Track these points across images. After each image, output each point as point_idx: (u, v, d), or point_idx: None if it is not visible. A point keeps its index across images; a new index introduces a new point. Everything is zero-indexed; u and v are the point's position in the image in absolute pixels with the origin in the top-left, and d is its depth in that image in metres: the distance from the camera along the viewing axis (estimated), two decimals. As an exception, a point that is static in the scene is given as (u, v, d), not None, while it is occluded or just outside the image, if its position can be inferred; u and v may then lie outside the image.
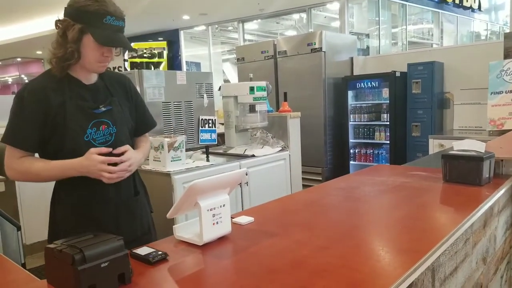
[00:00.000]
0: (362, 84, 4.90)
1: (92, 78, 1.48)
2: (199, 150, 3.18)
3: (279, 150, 3.27)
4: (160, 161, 2.51)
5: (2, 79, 15.33)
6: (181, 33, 9.92)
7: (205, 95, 3.05)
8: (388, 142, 4.73)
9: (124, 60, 10.26)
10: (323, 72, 4.65)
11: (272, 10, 7.91)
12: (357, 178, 2.23)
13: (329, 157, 4.87)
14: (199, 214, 1.21)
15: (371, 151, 4.99)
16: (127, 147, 1.46)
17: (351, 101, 4.99)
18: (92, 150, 1.36)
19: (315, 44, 4.61)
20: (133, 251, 1.17)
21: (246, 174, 2.90)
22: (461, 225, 1.37)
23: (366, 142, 5.00)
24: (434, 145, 4.04)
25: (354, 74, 5.14)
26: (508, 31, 5.72)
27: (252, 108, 3.15)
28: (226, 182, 1.28)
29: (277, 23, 9.86)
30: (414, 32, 10.98)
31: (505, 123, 3.45)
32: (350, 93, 4.97)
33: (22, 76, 14.05)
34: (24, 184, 3.39)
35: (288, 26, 9.98)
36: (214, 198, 1.25)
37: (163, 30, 9.94)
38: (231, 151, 3.18)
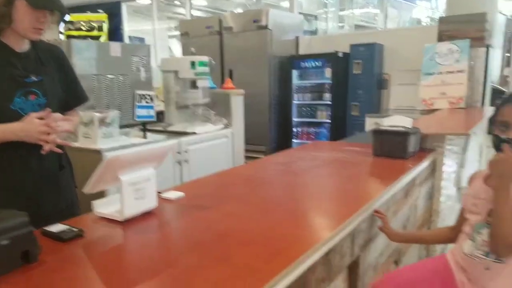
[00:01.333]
0: (306, 63, 4.94)
1: (24, 46, 1.39)
2: (136, 127, 3.05)
3: (222, 128, 3.21)
4: (90, 138, 2.37)
5: None
6: (123, 6, 9.39)
7: (141, 68, 2.90)
8: (329, 121, 4.84)
9: (60, 33, 9.56)
10: (269, 51, 4.62)
11: (220, -14, 7.70)
12: (295, 153, 2.26)
13: (273, 135, 4.91)
14: (120, 189, 1.15)
15: (313, 129, 5.09)
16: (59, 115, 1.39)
17: (295, 81, 5.03)
18: (33, 114, 1.31)
19: (261, 22, 4.55)
20: (45, 228, 1.08)
21: (185, 152, 2.83)
22: (381, 195, 1.44)
23: (308, 121, 5.09)
24: (370, 124, 4.19)
25: (300, 53, 5.16)
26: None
27: (193, 84, 3.06)
28: (151, 156, 1.21)
29: (227, 0, 9.65)
30: (361, 16, 11.26)
31: (435, 102, 3.64)
32: (295, 73, 5.00)
33: None
34: None
35: (238, 4, 9.81)
36: (137, 172, 1.18)
37: (103, 2, 9.35)
38: (171, 128, 3.08)
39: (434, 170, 2.15)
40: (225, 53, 4.92)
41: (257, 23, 4.60)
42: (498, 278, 1.18)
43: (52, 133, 1.31)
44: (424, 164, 1.97)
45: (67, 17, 9.76)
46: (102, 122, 2.35)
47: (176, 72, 3.04)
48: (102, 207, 1.22)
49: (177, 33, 10.42)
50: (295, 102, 5.05)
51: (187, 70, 2.97)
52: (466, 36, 3.70)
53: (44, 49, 1.47)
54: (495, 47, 4.46)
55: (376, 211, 1.39)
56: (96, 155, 2.31)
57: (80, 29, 9.83)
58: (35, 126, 1.29)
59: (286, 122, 5.05)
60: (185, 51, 5.17)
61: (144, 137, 2.82)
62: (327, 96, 4.84)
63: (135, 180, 1.17)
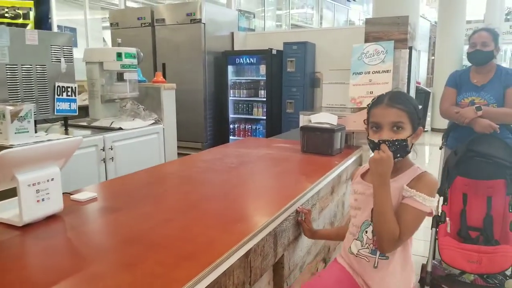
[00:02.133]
0: (241, 59, 4.92)
1: None
2: (58, 123, 2.83)
3: (152, 123, 3.09)
4: (1, 133, 2.15)
5: None
6: (50, -8, 8.72)
7: (62, 59, 2.68)
8: (265, 117, 4.88)
9: (-22, 18, 8.68)
10: (202, 45, 4.53)
11: (155, -24, 7.42)
12: (224, 150, 2.22)
13: (209, 132, 4.83)
14: (17, 190, 1.03)
15: (250, 126, 5.10)
16: None
17: (231, 77, 4.99)
18: None
19: (194, 15, 4.44)
20: None
21: (110, 149, 2.68)
22: (306, 192, 1.44)
23: (245, 118, 5.09)
24: (304, 121, 4.28)
25: (235, 49, 5.13)
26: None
27: (120, 77, 2.90)
28: (54, 151, 1.11)
29: (162, -8, 9.34)
30: (298, 16, 11.50)
31: (363, 101, 3.81)
32: (230, 69, 4.96)
33: None
34: None
35: (174, -3, 9.53)
36: (39, 171, 1.07)
37: (28, -13, 8.61)
38: (95, 124, 2.90)
39: (360, 166, 2.24)
40: (157, 46, 4.74)
41: (191, 17, 4.48)
42: (386, 276, 1.20)
43: None
44: (350, 160, 2.02)
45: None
46: (15, 116, 2.14)
47: (101, 64, 2.86)
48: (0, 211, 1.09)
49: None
50: (231, 98, 5.02)
51: (113, 62, 2.81)
52: (390, 37, 3.92)
53: None
54: (422, 51, 4.78)
55: (299, 208, 1.38)
56: (6, 153, 2.10)
57: (4, 16, 8.99)
58: None
59: (222, 118, 5.00)
60: (114, 42, 4.91)
61: (66, 133, 2.63)
62: (263, 93, 4.86)
63: (36, 180, 1.06)
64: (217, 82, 4.88)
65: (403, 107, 1.18)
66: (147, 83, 3.35)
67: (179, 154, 3.55)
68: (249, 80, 5.00)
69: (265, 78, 4.78)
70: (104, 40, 9.97)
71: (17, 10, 9.18)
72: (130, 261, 0.88)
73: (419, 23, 6.58)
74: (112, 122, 2.87)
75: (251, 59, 4.87)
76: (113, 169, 2.71)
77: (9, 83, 2.40)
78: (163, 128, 3.20)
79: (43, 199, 1.08)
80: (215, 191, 1.47)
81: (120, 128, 2.78)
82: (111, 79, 2.91)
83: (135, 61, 2.94)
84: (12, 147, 2.09)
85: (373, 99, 1.26)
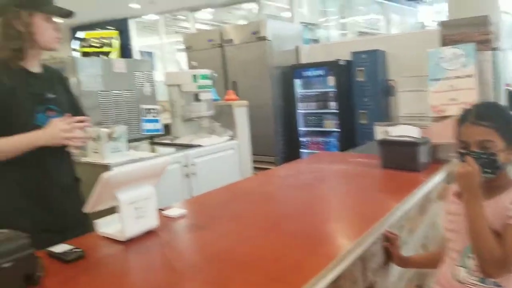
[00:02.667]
0: (308, 72, 4.92)
1: (37, 68, 1.49)
2: (145, 141, 3.06)
3: (227, 140, 3.21)
4: (98, 152, 2.38)
5: None
6: (130, 22, 9.54)
7: (146, 83, 2.92)
8: (338, 129, 4.80)
9: (73, 50, 9.74)
10: (269, 61, 4.63)
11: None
12: (298, 166, 2.23)
13: (281, 146, 4.88)
14: (119, 208, 1.14)
15: (321, 139, 5.05)
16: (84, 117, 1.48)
17: (299, 90, 5.01)
18: (53, 119, 1.39)
19: (259, 33, 4.57)
20: (50, 249, 1.08)
21: (192, 165, 2.83)
22: (393, 212, 1.34)
23: (316, 130, 5.06)
24: (380, 132, 4.14)
25: (301, 63, 5.16)
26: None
27: (196, 97, 3.07)
28: (148, 172, 1.21)
29: (229, 13, 9.72)
30: (363, 23, 11.23)
31: (445, 109, 3.58)
32: (298, 82, 4.99)
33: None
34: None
35: (240, 16, 9.86)
36: (136, 190, 1.18)
37: (113, 19, 9.51)
38: (177, 141, 3.09)
39: (451, 184, 2.04)
40: (228, 65, 4.94)
41: (256, 35, 4.61)
42: None
43: (74, 130, 1.39)
44: (439, 176, 1.83)
45: (81, 35, 10.00)
46: (110, 137, 2.36)
47: (179, 86, 3.05)
48: (104, 226, 1.22)
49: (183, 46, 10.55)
50: (300, 111, 5.03)
51: (189, 84, 2.98)
52: (470, 39, 3.65)
53: (50, 70, 1.57)
54: (508, 49, 4.39)
55: (387, 231, 1.30)
56: (104, 170, 2.31)
57: (92, 46, 10.03)
58: (57, 127, 1.36)
59: (292, 132, 5.03)
60: (190, 65, 5.21)
61: (152, 150, 2.83)
62: (333, 104, 4.80)
63: (134, 199, 1.16)
64: (285, 96, 4.93)
65: (491, 124, 1.08)
66: (221, 102, 3.50)
67: (254, 168, 3.64)
68: (317, 92, 4.98)
69: (334, 89, 4.73)
70: (178, 62, 10.62)
71: (103, 40, 10.14)
72: (220, 280, 0.91)
73: (502, 20, 6.05)
74: (192, 140, 3.03)
75: (318, 71, 4.86)
76: (196, 183, 2.86)
77: (102, 108, 2.66)
78: (238, 144, 3.31)
79: (141, 216, 1.18)
80: (293, 209, 1.47)
81: (199, 145, 2.93)
82: (189, 99, 3.09)
83: (209, 82, 3.09)
84: (108, 165, 2.32)
85: (460, 114, 1.18)
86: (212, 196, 1.67)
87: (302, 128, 5.10)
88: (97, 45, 9.71)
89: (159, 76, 3.31)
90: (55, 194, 1.46)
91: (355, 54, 4.60)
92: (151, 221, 1.22)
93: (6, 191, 1.40)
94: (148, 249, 1.14)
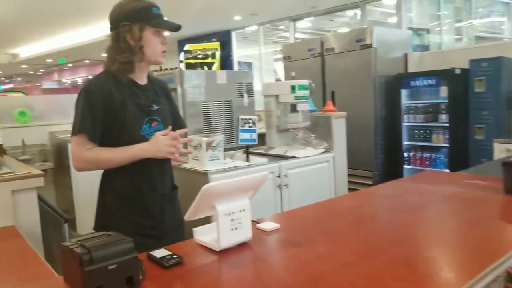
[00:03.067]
0: (417, 82, 4.60)
1: (144, 80, 1.60)
2: (240, 150, 3.16)
3: (322, 152, 3.15)
4: (198, 160, 2.52)
5: (72, 79, 16.68)
6: (233, 34, 10.05)
7: (245, 94, 3.02)
8: (447, 145, 4.40)
9: (180, 61, 10.60)
10: (373, 70, 4.44)
11: (324, 7, 7.72)
12: (403, 185, 2.07)
13: (381, 160, 4.64)
14: (216, 219, 1.17)
15: (428, 154, 4.67)
16: (185, 130, 1.59)
17: (405, 101, 4.71)
18: (158, 133, 1.48)
19: (365, 41, 4.41)
20: (150, 252, 1.15)
21: (285, 176, 2.83)
22: None
23: (422, 145, 4.69)
24: (500, 150, 3.69)
25: (409, 71, 4.85)
26: None
27: (293, 108, 3.07)
28: (246, 185, 1.22)
29: (330, 20, 9.63)
30: (482, 27, 10.18)
31: None
32: (404, 92, 4.69)
33: (90, 76, 14.97)
34: (77, 176, 3.57)
35: (342, 23, 9.70)
36: (233, 202, 1.20)
37: (216, 31, 10.13)
38: (271, 152, 3.12)
39: None
40: (327, 75, 4.87)
41: (361, 42, 4.46)
42: None
43: (177, 145, 1.47)
44: None
45: (186, 47, 10.87)
46: (209, 145, 2.49)
47: (277, 97, 3.09)
48: (201, 235, 1.26)
49: (282, 56, 10.80)
50: (405, 123, 4.72)
51: (287, 94, 3.00)
52: None
53: (155, 82, 1.68)
54: None
55: (510, 268, 1.12)
56: (203, 177, 2.45)
57: (196, 57, 10.84)
58: (163, 141, 1.45)
59: (395, 145, 4.74)
60: (287, 74, 5.26)
61: (247, 160, 2.90)
62: (443, 117, 4.42)
63: (231, 210, 1.19)
64: (388, 107, 4.68)
65: None
66: (318, 113, 3.45)
67: (349, 182, 3.51)
68: (426, 104, 4.62)
69: (446, 101, 4.35)
70: (275, 72, 10.86)
71: (206, 52, 10.84)
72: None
73: None
74: (286, 151, 3.04)
75: (428, 80, 4.52)
76: (287, 195, 2.86)
77: (203, 117, 2.81)
78: (333, 157, 3.22)
79: (236, 228, 1.20)
80: (399, 235, 1.35)
81: (294, 157, 2.92)
82: (286, 110, 3.11)
83: (307, 93, 3.07)
84: (206, 173, 2.43)
85: None
86: (306, 212, 1.63)
87: (406, 142, 4.78)
88: (201, 56, 10.43)
89: (256, 86, 3.39)
90: (156, 201, 1.56)
91: (474, 62, 4.17)
92: (245, 233, 1.22)
93: (113, 197, 1.54)
94: (242, 262, 1.15)
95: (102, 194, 1.57)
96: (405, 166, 4.79)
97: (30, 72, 17.43)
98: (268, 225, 1.39)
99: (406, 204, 1.67)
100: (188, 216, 1.18)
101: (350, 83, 4.63)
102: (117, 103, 1.47)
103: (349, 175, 3.48)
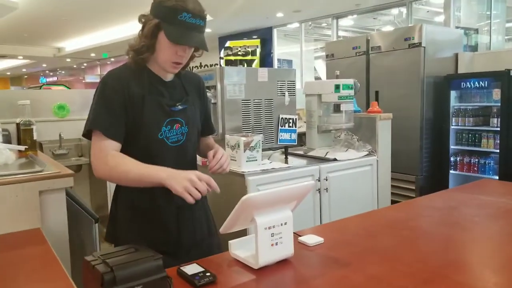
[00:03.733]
0: (467, 83, 4.24)
1: (170, 75, 1.40)
2: (279, 150, 3.01)
3: (365, 155, 2.93)
4: (236, 160, 2.39)
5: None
6: (274, 31, 9.88)
7: (286, 93, 2.85)
8: (497, 150, 4.03)
9: (220, 58, 10.57)
10: (421, 70, 4.13)
11: (369, 4, 7.39)
12: (457, 196, 1.84)
13: (425, 164, 4.32)
14: (255, 233, 1.03)
15: (476, 160, 4.31)
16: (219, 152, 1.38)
17: (453, 103, 4.36)
18: (189, 172, 1.18)
19: (413, 39, 4.10)
20: (181, 268, 1.03)
21: (325, 179, 2.65)
22: None
23: (470, 150, 4.33)
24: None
25: (459, 72, 4.49)
26: None
27: (336, 108, 2.88)
28: (289, 195, 1.07)
29: (374, 18, 9.23)
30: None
31: None
32: (453, 94, 4.35)
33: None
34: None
35: (386, 21, 9.28)
36: (274, 214, 1.05)
37: (258, 28, 10.01)
38: (311, 153, 2.95)
39: None
40: (371, 74, 4.60)
41: (409, 41, 4.16)
42: None
43: (202, 187, 1.15)
44: None
45: (227, 43, 10.82)
46: (247, 146, 2.36)
47: (319, 96, 2.91)
48: (238, 249, 1.12)
49: (323, 53, 10.51)
50: (453, 127, 4.38)
51: (330, 94, 2.81)
52: None
53: (188, 78, 1.46)
54: None
55: None
56: (240, 178, 2.32)
57: (237, 54, 10.76)
58: (186, 175, 1.15)
59: (441, 149, 4.41)
60: (329, 73, 5.04)
61: (286, 162, 2.75)
62: (495, 121, 4.05)
63: (271, 224, 1.04)
64: (435, 109, 4.35)
65: None
66: (362, 113, 3.23)
67: (392, 187, 3.27)
68: (476, 107, 4.26)
69: (498, 104, 3.98)
70: (315, 70, 10.58)
71: (247, 48, 10.74)
72: None
73: None
74: (327, 153, 2.85)
75: (480, 82, 4.15)
76: (327, 200, 2.68)
77: (242, 115, 2.68)
78: (377, 160, 3.00)
79: (276, 243, 1.05)
80: (460, 255, 1.16)
81: (335, 159, 2.74)
82: (328, 110, 2.92)
83: (352, 92, 2.87)
84: (243, 174, 2.30)
85: None
86: (351, 223, 1.46)
87: (453, 146, 4.44)
88: (241, 53, 10.33)
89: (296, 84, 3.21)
90: (172, 216, 1.36)
91: (533, 62, 3.78)
92: (286, 250, 1.08)
93: (125, 208, 1.36)
94: (283, 283, 1.00)
95: (114, 203, 1.41)
96: (451, 171, 4.45)
97: (74, 66, 18.04)
98: (311, 239, 1.23)
99: (462, 218, 1.47)
100: (224, 229, 1.05)
101: (396, 83, 4.34)
102: (135, 99, 1.28)
103: (392, 178, 3.25)
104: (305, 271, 1.06)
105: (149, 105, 1.30)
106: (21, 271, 1.02)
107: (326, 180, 2.66)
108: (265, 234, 1.03)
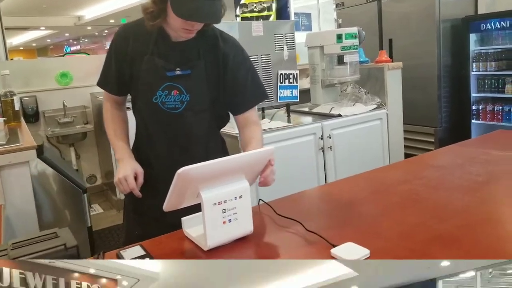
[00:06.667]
0: (488, 25, 3.73)
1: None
2: (283, 108, 2.78)
3: (374, 108, 2.66)
4: (230, 121, 2.19)
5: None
6: (288, -16, 9.24)
7: (285, 47, 2.56)
8: (524, 96, 3.61)
9: (236, 16, 10.11)
10: (437, 13, 3.66)
11: None
12: (464, 151, 1.59)
13: (445, 114, 3.95)
14: (202, 210, 0.85)
15: (500, 107, 3.89)
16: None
17: (473, 47, 3.89)
18: (140, 170, 1.20)
19: (428, -21, 3.62)
20: (121, 251, 0.87)
21: (328, 137, 2.42)
22: None
23: (494, 97, 3.91)
24: None
25: (479, 13, 3.97)
26: None
27: (340, 60, 2.58)
28: (240, 165, 0.87)
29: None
30: None
31: None
32: (473, 37, 3.86)
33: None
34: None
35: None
36: (224, 187, 0.86)
37: (272, -17, 9.39)
38: (316, 110, 2.70)
39: None
40: (384, 22, 4.16)
41: (424, -18, 3.68)
42: None
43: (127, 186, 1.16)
44: None
45: (242, 1, 10.30)
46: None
47: (321, 48, 2.61)
48: (191, 226, 0.95)
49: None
50: (473, 73, 3.94)
51: (333, 45, 2.51)
52: None
53: (211, 40, 1.22)
54: None
55: None
56: (234, 141, 2.13)
57: (253, 11, 10.24)
58: (127, 166, 1.19)
59: (461, 98, 4.00)
60: (337, 23, 4.62)
61: (288, 120, 2.54)
62: (521, 64, 3.60)
63: (222, 198, 0.85)
64: (454, 55, 3.91)
65: None
66: (370, 64, 2.91)
67: (408, 140, 2.98)
68: (499, 50, 3.78)
69: (525, 45, 3.50)
70: (335, 21, 9.95)
71: (262, 4, 10.19)
72: None
73: None
74: (331, 108, 2.60)
75: (503, 23, 3.64)
76: (332, 158, 2.46)
77: (240, 74, 2.44)
78: (387, 113, 2.72)
79: (230, 220, 0.87)
80: (453, 229, 0.94)
81: (339, 115, 2.48)
82: (331, 62, 2.62)
83: (356, 42, 2.54)
84: (237, 136, 2.11)
85: None
86: (348, 186, 1.26)
87: (474, 94, 4.02)
88: (257, 9, 9.80)
89: (301, 38, 2.90)
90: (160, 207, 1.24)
91: None
92: (243, 227, 0.90)
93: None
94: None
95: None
96: (474, 121, 4.06)
97: (96, 34, 17.81)
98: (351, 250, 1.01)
99: (464, 178, 1.25)
100: (166, 206, 0.87)
101: (410, 30, 3.90)
102: (136, 57, 1.19)
103: (408, 131, 2.95)
104: (267, 251, 0.89)
105: (146, 66, 1.18)
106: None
107: (330, 137, 2.43)
108: (214, 211, 0.85)
